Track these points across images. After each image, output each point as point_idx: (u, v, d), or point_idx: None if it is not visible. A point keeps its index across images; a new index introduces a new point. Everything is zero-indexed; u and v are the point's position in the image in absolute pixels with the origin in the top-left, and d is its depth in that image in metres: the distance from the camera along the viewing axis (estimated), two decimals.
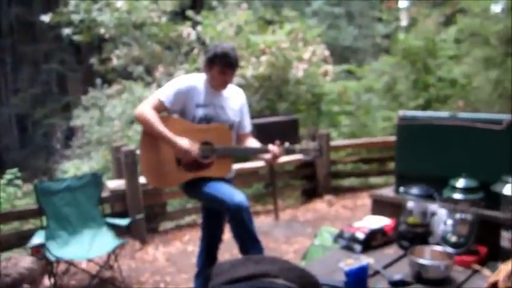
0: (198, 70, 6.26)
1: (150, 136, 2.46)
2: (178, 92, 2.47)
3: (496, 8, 7.92)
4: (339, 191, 5.96)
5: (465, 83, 7.45)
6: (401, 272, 1.80)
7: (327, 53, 7.59)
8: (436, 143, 2.30)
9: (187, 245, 4.44)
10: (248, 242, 2.43)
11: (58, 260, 3.31)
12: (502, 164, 2.07)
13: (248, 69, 6.60)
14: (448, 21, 9.07)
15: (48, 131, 13.14)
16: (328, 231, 2.98)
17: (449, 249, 1.89)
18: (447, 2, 9.62)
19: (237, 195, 2.37)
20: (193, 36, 7.50)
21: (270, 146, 2.52)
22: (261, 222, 4.85)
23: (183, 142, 2.41)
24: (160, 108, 2.46)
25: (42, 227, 3.50)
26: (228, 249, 3.26)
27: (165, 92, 2.48)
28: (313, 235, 3.25)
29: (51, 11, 8.05)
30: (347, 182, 6.58)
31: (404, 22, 11.87)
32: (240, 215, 2.35)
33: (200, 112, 2.51)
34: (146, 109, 2.43)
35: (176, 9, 8.42)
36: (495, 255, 1.89)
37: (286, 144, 2.55)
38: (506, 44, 6.72)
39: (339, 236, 2.18)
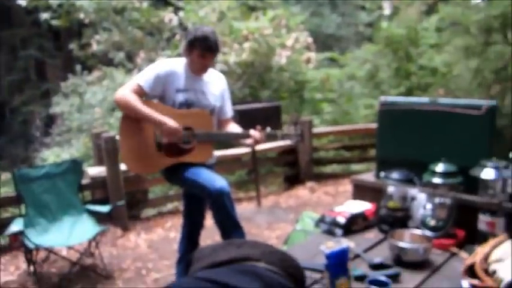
0: (179, 56, 6.18)
1: (131, 121, 2.43)
2: (158, 76, 2.43)
3: None
4: (321, 178, 5.99)
5: (446, 72, 7.50)
6: (381, 255, 1.82)
7: (310, 40, 7.58)
8: (416, 128, 2.33)
9: (169, 231, 4.42)
10: (230, 227, 2.43)
11: (37, 248, 3.27)
12: (481, 148, 2.11)
13: (231, 56, 6.54)
14: (430, 10, 9.11)
15: (27, 118, 12.88)
16: (310, 217, 2.99)
17: (428, 233, 1.92)
18: None
19: (218, 181, 2.36)
20: (175, 21, 7.38)
21: (251, 131, 2.50)
22: (244, 209, 4.86)
23: (171, 121, 2.38)
24: (139, 93, 2.42)
25: (20, 215, 3.45)
26: (210, 235, 3.25)
27: (144, 77, 2.44)
28: (295, 221, 3.26)
29: None
30: (329, 169, 6.62)
31: (387, 11, 11.88)
32: (221, 200, 2.34)
33: (180, 97, 2.48)
34: (126, 93, 2.39)
35: None
36: (472, 238, 1.92)
37: (268, 129, 2.54)
38: (486, 33, 6.77)
39: (320, 220, 2.19)
